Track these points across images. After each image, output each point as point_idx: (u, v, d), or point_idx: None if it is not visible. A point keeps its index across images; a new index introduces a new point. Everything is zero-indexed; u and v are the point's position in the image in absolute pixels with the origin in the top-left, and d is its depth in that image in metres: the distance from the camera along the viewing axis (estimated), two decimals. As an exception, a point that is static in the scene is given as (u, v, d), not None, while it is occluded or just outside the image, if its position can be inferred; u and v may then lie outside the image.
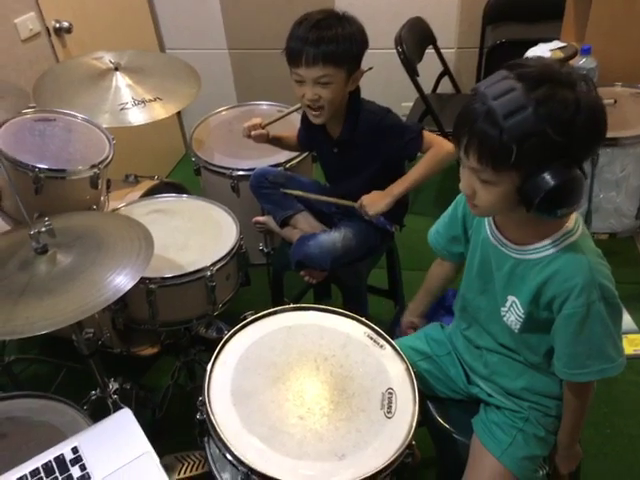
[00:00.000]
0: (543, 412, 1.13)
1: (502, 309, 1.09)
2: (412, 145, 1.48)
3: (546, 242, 0.98)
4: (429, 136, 1.50)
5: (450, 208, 1.23)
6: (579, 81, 0.85)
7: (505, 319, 1.09)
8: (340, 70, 1.40)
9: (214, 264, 1.48)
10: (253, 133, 1.68)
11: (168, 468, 1.57)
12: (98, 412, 1.46)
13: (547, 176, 0.85)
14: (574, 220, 0.99)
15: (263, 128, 1.69)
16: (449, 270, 1.34)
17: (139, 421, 1.07)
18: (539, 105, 0.82)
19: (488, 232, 1.09)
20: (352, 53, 1.41)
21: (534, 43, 2.32)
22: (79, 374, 1.72)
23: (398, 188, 1.50)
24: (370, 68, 1.50)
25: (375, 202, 1.49)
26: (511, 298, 1.06)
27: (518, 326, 1.06)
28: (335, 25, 1.38)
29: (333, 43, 1.36)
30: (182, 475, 1.57)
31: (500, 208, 0.97)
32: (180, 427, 1.64)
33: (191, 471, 1.57)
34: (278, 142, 1.76)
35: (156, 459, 0.98)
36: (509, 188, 0.90)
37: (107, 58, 1.97)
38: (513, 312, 1.06)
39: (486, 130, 0.85)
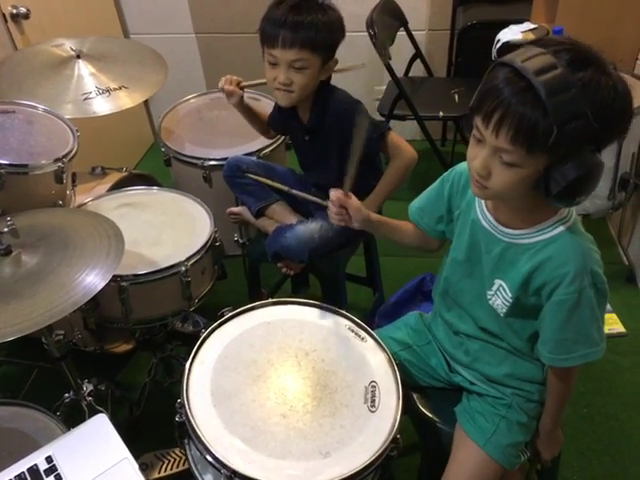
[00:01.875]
0: (526, 398, 1.13)
1: (488, 292, 1.07)
2: (372, 145, 1.44)
3: (539, 228, 0.97)
4: (394, 140, 1.46)
5: (435, 185, 1.17)
6: (609, 65, 0.83)
7: (491, 302, 1.08)
8: (316, 56, 1.37)
9: (188, 259, 1.43)
10: (226, 87, 1.59)
11: (148, 466, 1.54)
12: (73, 415, 1.42)
13: (576, 163, 0.82)
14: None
15: (241, 89, 1.61)
16: (421, 239, 1.24)
17: (116, 420, 1.03)
18: (585, 87, 0.79)
19: (479, 214, 1.06)
20: (329, 41, 1.38)
21: (505, 24, 2.31)
22: (51, 374, 1.67)
23: (373, 207, 1.45)
24: (362, 65, 1.47)
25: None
26: (498, 282, 1.05)
27: (504, 310, 1.05)
28: (315, 10, 1.34)
29: (312, 28, 1.33)
30: (163, 473, 1.54)
31: (514, 192, 0.91)
32: (159, 424, 1.60)
33: (172, 469, 1.55)
34: (248, 112, 1.70)
35: (135, 465, 0.95)
36: (532, 172, 0.86)
37: (68, 45, 1.89)
38: (500, 296, 1.05)
39: (527, 108, 0.80)
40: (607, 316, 2.00)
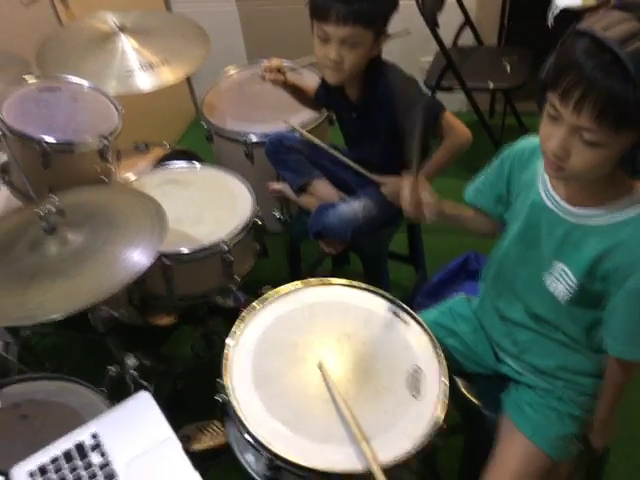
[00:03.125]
0: (578, 391, 1.08)
1: (548, 277, 1.01)
2: (426, 127, 1.39)
3: (611, 208, 0.89)
4: (449, 120, 1.39)
5: (495, 164, 1.11)
6: None
7: (551, 288, 1.01)
8: (369, 32, 1.31)
9: (231, 237, 1.43)
10: (268, 76, 1.60)
11: (190, 438, 1.57)
12: (117, 388, 1.45)
13: None
14: None
15: (282, 73, 1.60)
16: (492, 226, 1.17)
17: (160, 393, 1.04)
18: None
19: (542, 193, 0.99)
20: (383, 14, 1.32)
21: (563, -11, 2.18)
22: (96, 346, 1.71)
23: None
24: (407, 31, 1.42)
25: (397, 194, 1.44)
26: (560, 265, 0.98)
27: (566, 297, 0.98)
28: None
29: (367, 1, 1.26)
30: (204, 445, 1.57)
31: (595, 172, 0.84)
32: (201, 396, 1.63)
33: (213, 441, 1.57)
34: (294, 90, 1.68)
35: (179, 445, 0.95)
36: (617, 150, 0.80)
37: (111, 19, 1.88)
38: (562, 281, 0.98)
39: (613, 83, 0.73)
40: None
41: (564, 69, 0.78)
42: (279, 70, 1.60)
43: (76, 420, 1.08)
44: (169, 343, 1.93)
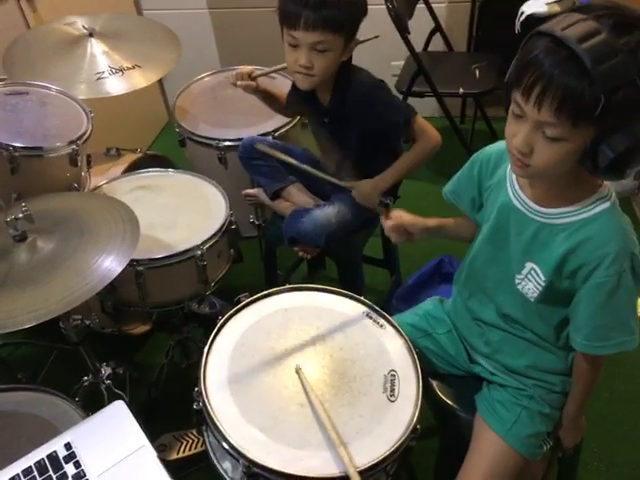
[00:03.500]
0: (547, 389, 1.11)
1: (517, 276, 1.03)
2: (397, 130, 1.42)
3: (577, 206, 0.92)
4: (420, 124, 1.41)
5: (466, 167, 1.13)
6: None
7: (520, 287, 1.04)
8: (339, 37, 1.31)
9: (204, 242, 1.42)
10: (239, 83, 1.59)
11: (167, 447, 1.55)
12: (92, 399, 1.43)
13: (625, 133, 0.78)
14: (607, 185, 0.93)
15: (253, 79, 1.60)
16: (471, 227, 1.19)
17: (135, 402, 1.03)
18: (632, 52, 0.75)
19: (510, 194, 1.02)
20: (352, 20, 1.32)
21: (529, -4, 2.23)
22: (70, 355, 1.68)
23: (385, 182, 1.46)
24: (376, 36, 1.43)
25: (366, 197, 1.48)
26: (530, 265, 1.00)
27: (536, 295, 1.01)
28: None
29: (335, 7, 1.27)
30: (181, 454, 1.55)
31: (558, 169, 0.87)
32: (177, 405, 1.62)
33: (190, 450, 1.56)
34: (265, 97, 1.67)
35: (154, 453, 0.94)
36: (578, 146, 0.82)
37: (80, 23, 1.86)
38: (532, 280, 1.01)
39: (571, 78, 0.76)
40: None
41: (526, 67, 0.81)
42: (250, 76, 1.59)
43: (49, 431, 1.05)
44: (144, 351, 1.90)
